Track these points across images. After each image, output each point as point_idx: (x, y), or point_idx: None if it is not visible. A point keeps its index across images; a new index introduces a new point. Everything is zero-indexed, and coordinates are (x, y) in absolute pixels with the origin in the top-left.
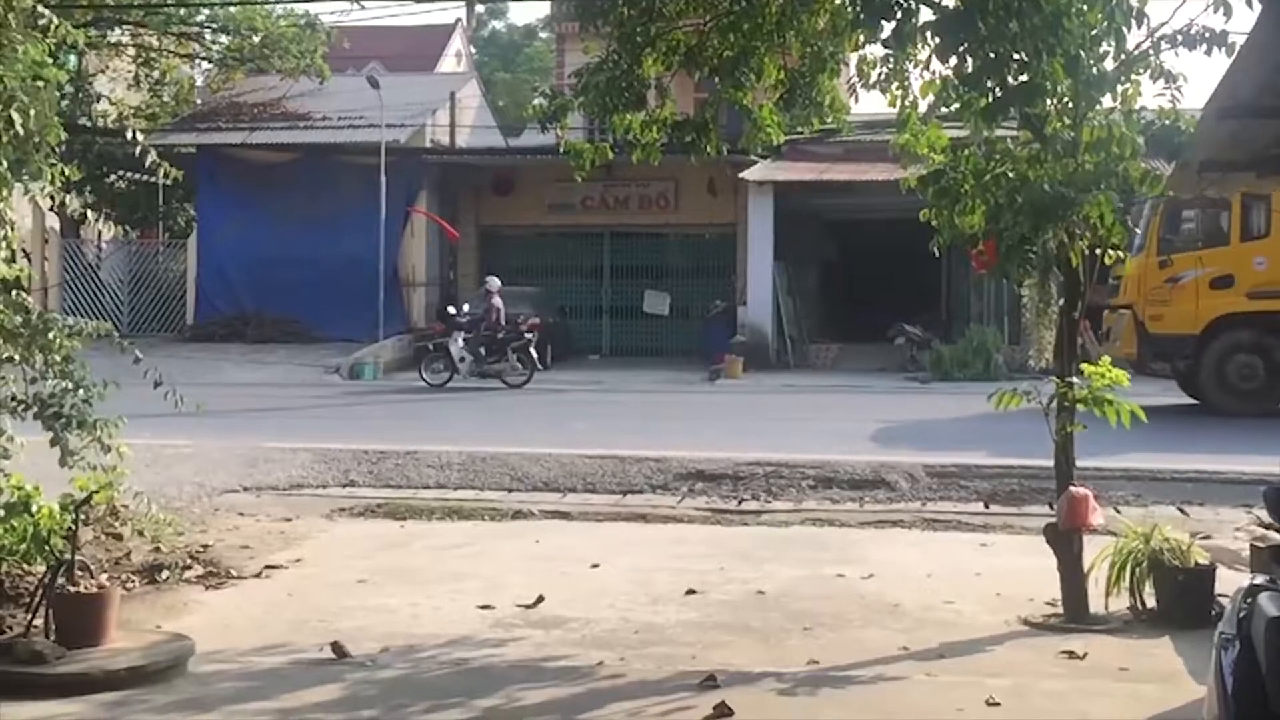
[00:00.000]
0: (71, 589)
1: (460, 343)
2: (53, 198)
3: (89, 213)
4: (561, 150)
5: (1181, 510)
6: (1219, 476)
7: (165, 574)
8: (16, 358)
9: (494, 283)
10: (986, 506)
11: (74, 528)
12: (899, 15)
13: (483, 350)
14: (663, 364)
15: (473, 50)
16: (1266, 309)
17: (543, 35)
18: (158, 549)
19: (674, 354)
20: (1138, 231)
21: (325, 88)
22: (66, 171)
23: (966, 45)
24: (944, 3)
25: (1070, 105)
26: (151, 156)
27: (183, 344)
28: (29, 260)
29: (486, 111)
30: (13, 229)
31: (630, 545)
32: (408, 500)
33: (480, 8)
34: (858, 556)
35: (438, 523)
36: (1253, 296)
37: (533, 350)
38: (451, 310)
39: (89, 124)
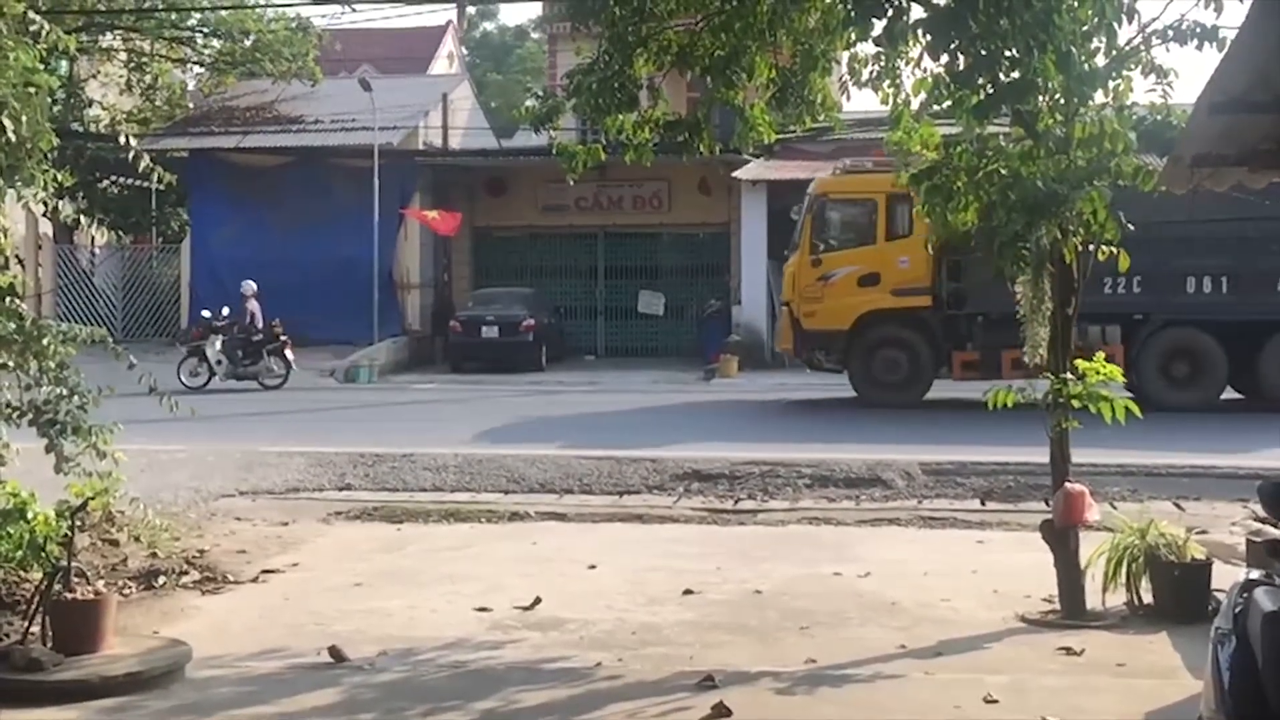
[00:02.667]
0: (68, 596)
1: (217, 346)
2: (45, 204)
3: (82, 218)
4: (554, 151)
5: (1177, 505)
6: (1214, 471)
7: (162, 579)
8: (11, 364)
9: (249, 287)
10: (983, 503)
11: (70, 534)
12: (890, 13)
13: (239, 353)
14: (658, 364)
15: (464, 52)
16: (910, 305)
17: (534, 36)
18: (154, 555)
19: (669, 354)
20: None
21: (317, 91)
22: (59, 177)
23: (958, 42)
24: (935, 0)
25: (1062, 101)
26: (144, 161)
27: (177, 349)
28: (22, 266)
29: (479, 113)
30: (5, 235)
31: (627, 546)
32: (404, 503)
33: (471, 9)
34: (854, 555)
35: (434, 525)
36: (897, 293)
37: (288, 353)
38: (207, 314)
39: (81, 129)
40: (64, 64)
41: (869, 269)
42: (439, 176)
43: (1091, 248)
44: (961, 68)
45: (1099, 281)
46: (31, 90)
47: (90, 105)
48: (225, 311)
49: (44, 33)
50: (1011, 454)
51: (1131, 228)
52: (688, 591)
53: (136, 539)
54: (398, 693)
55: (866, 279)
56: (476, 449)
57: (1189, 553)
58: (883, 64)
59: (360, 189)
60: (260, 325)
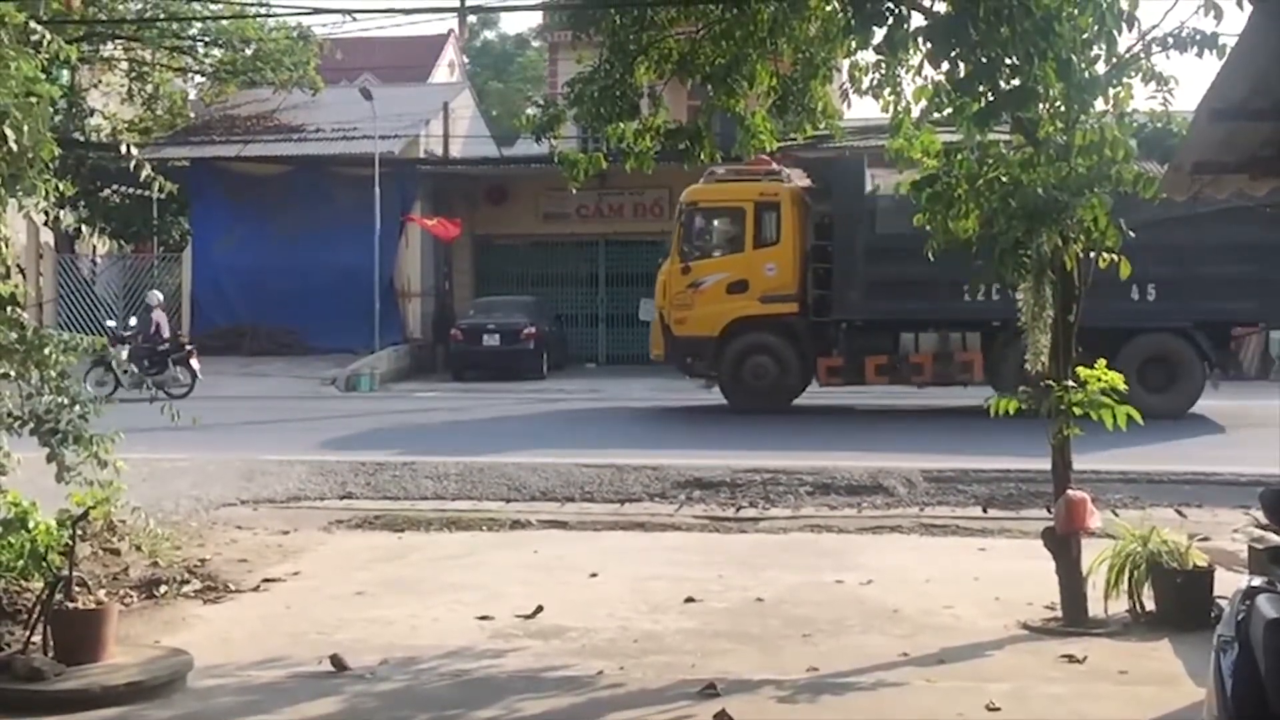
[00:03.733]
0: (69, 605)
1: (123, 355)
2: (47, 213)
3: (83, 227)
4: (556, 160)
5: (1179, 512)
6: (1216, 478)
7: (163, 589)
8: (12, 374)
9: (155, 297)
10: (984, 511)
11: (71, 543)
12: (890, 21)
13: (145, 362)
14: (659, 372)
15: (465, 60)
16: (777, 312)
17: (535, 45)
18: (155, 564)
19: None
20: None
21: (318, 100)
22: (60, 187)
23: (958, 50)
24: (935, 8)
25: (1062, 109)
26: (145, 170)
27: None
28: (24, 276)
29: (480, 121)
30: (7, 245)
31: (629, 554)
32: (405, 512)
33: (472, 18)
34: (856, 562)
35: (436, 534)
36: (765, 300)
37: (194, 362)
38: (112, 324)
39: (82, 139)
40: (65, 73)
41: (737, 276)
42: (440, 185)
43: (1092, 255)
44: (962, 75)
45: (958, 290)
46: (33, 99)
47: (92, 114)
48: (132, 322)
49: (45, 42)
50: (1013, 461)
51: (1133, 234)
52: (689, 599)
53: (138, 548)
54: (399, 702)
55: (735, 286)
56: (478, 457)
57: (1191, 560)
58: (883, 72)
59: (361, 197)
60: (166, 335)
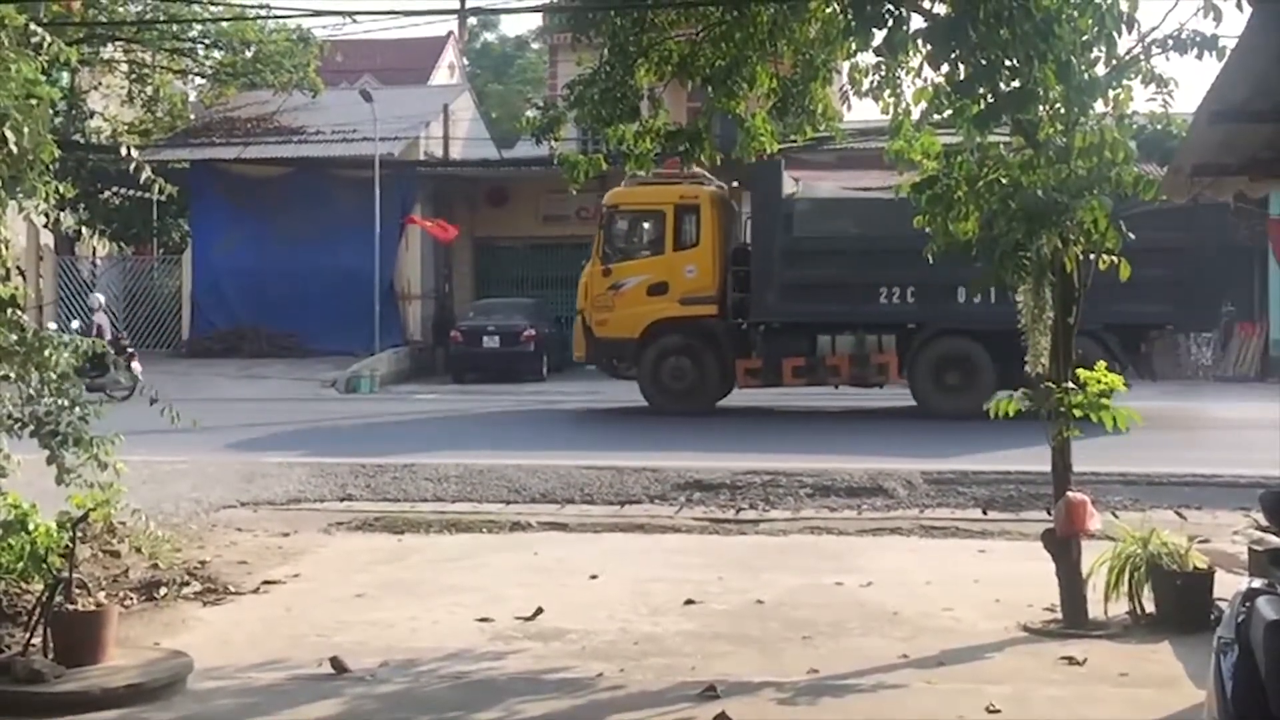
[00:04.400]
0: (69, 607)
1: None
2: (47, 215)
3: (83, 229)
4: (556, 162)
5: (1179, 514)
6: (1216, 480)
7: (163, 591)
8: (12, 376)
9: (97, 299)
10: (984, 513)
11: (71, 546)
12: (890, 23)
13: (87, 365)
14: None
15: (465, 62)
16: (696, 314)
17: (534, 46)
18: (155, 566)
19: None
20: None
21: (318, 101)
22: (60, 189)
23: (958, 52)
24: (935, 10)
25: (1062, 111)
26: (146, 172)
27: (178, 360)
28: (24, 278)
29: (480, 123)
30: (7, 247)
31: (629, 556)
32: (405, 513)
33: (472, 20)
34: (856, 564)
35: (436, 536)
36: (684, 302)
37: (135, 365)
38: (53, 326)
39: (82, 141)
40: (65, 76)
41: (657, 278)
42: (440, 187)
43: (1092, 256)
44: (962, 77)
45: (874, 292)
46: (33, 102)
47: (92, 117)
48: (75, 325)
49: (46, 44)
50: (1013, 463)
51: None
52: (689, 601)
53: (138, 550)
54: (399, 704)
55: (655, 288)
56: (478, 459)
57: (1191, 562)
58: (883, 74)
59: (361, 200)
60: (108, 338)
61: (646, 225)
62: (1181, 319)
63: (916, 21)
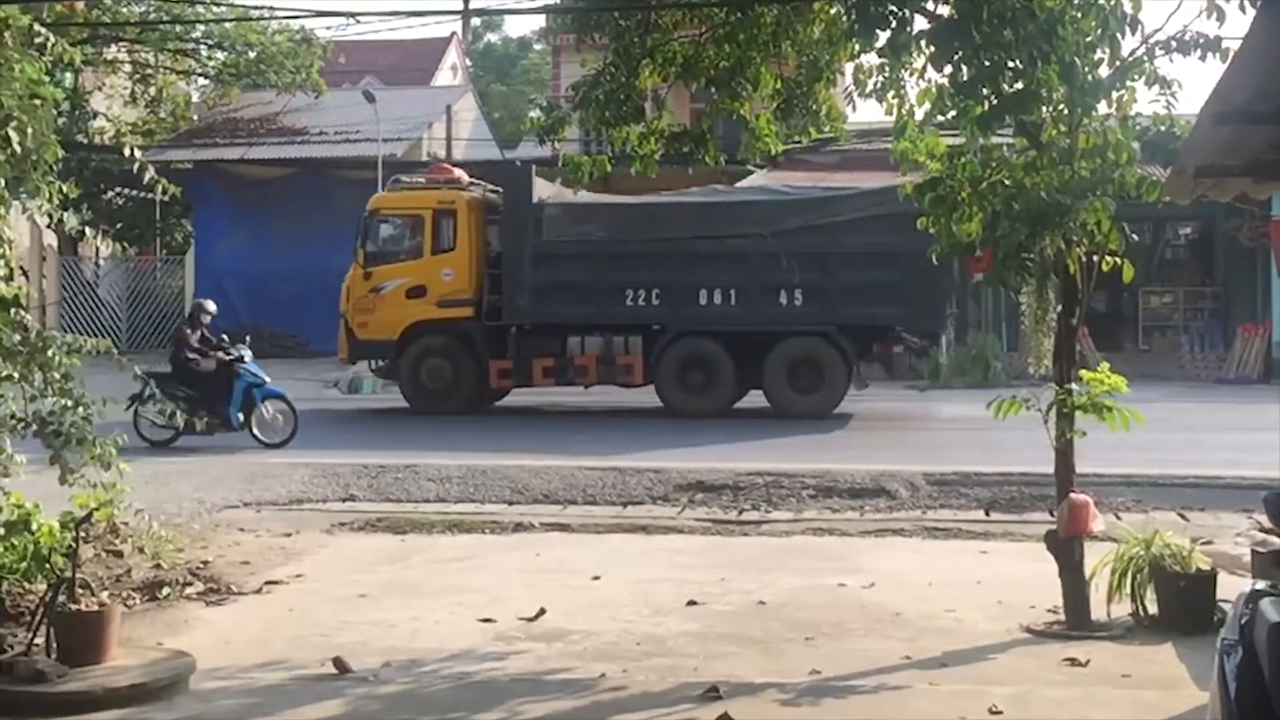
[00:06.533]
0: (72, 607)
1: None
2: (50, 215)
3: (87, 230)
4: (560, 163)
5: (1182, 516)
6: (1219, 482)
7: (166, 591)
8: (16, 376)
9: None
10: (987, 514)
11: (74, 545)
12: (894, 24)
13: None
14: None
15: (468, 63)
16: (453, 316)
17: (537, 47)
18: (158, 566)
19: None
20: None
21: (321, 102)
22: (64, 189)
23: (961, 53)
24: (939, 11)
25: (1065, 112)
26: (149, 173)
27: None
28: (27, 278)
29: (483, 124)
30: (10, 247)
31: (631, 557)
32: (408, 514)
33: (475, 21)
34: (859, 566)
35: (438, 536)
36: (442, 305)
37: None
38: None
39: (86, 141)
40: (69, 76)
41: (416, 281)
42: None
43: (1095, 257)
44: (965, 79)
45: (621, 295)
46: (37, 102)
47: (95, 117)
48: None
49: (49, 45)
50: (1015, 464)
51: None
52: (692, 603)
53: (140, 550)
54: (402, 704)
55: (414, 291)
56: (481, 459)
57: (1194, 563)
58: (887, 75)
59: (364, 200)
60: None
61: (406, 230)
62: (908, 321)
63: (920, 22)
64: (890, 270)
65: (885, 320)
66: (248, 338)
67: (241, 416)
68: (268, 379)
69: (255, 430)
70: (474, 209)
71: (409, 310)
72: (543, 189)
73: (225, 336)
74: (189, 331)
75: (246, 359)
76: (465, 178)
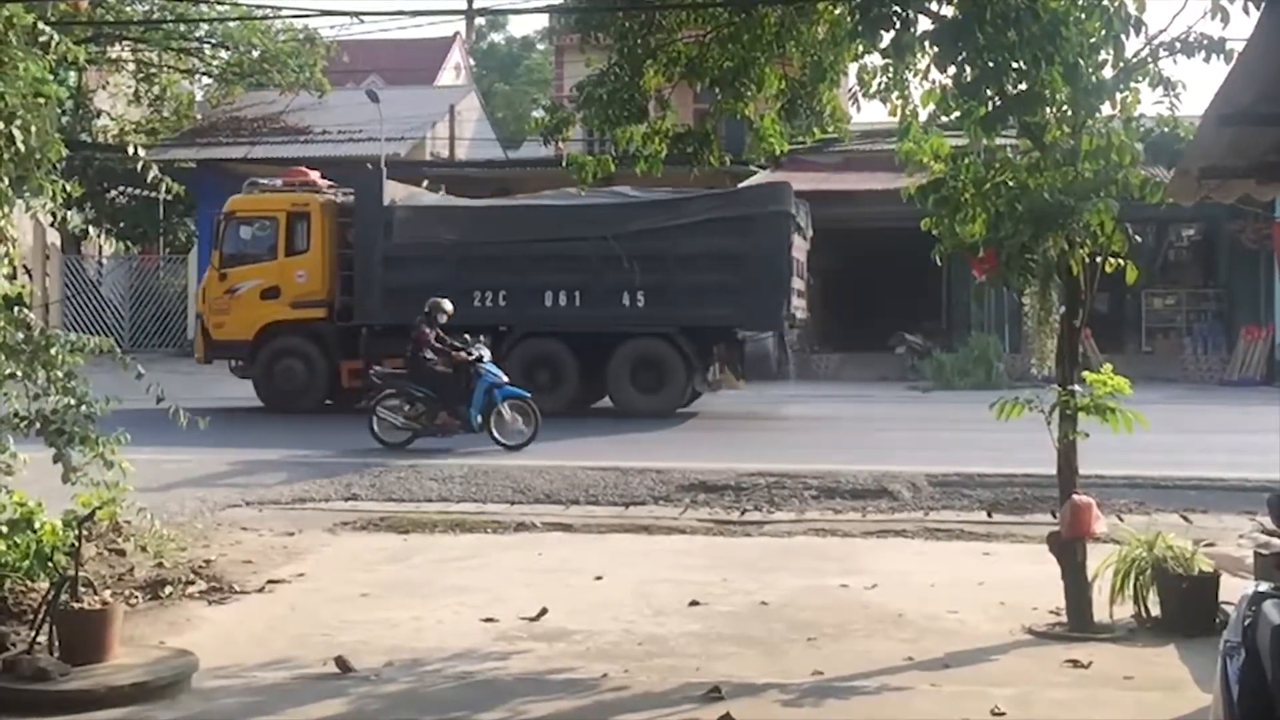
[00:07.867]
0: (75, 605)
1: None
2: (54, 214)
3: (90, 229)
4: (564, 163)
5: (1185, 518)
6: (1222, 483)
7: (168, 589)
8: (19, 374)
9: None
10: (989, 515)
11: (77, 544)
12: (898, 25)
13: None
14: None
15: (472, 63)
16: (306, 317)
17: (541, 47)
18: (160, 564)
19: None
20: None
21: (325, 102)
22: (67, 188)
23: (965, 54)
24: (943, 12)
25: (1069, 113)
26: (153, 172)
27: (184, 359)
28: (30, 277)
29: (486, 124)
30: (14, 245)
31: (633, 557)
32: (410, 513)
33: (479, 21)
34: (861, 566)
35: (440, 536)
36: (295, 306)
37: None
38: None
39: (89, 140)
40: (73, 75)
41: (270, 282)
42: (446, 188)
43: (1098, 259)
44: (969, 80)
45: (469, 296)
46: (40, 100)
47: (99, 116)
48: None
49: (53, 43)
50: (1018, 465)
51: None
52: (694, 603)
53: (143, 549)
54: (404, 703)
55: (268, 292)
56: (483, 459)
57: (1196, 565)
58: (891, 75)
59: None
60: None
61: (261, 232)
62: (745, 321)
63: (924, 23)
64: (728, 273)
65: (722, 321)
66: (467, 336)
67: (480, 418)
68: (506, 379)
69: (494, 432)
70: (328, 212)
71: (263, 311)
72: (394, 191)
73: (466, 336)
74: (426, 330)
75: (485, 358)
76: (321, 181)
